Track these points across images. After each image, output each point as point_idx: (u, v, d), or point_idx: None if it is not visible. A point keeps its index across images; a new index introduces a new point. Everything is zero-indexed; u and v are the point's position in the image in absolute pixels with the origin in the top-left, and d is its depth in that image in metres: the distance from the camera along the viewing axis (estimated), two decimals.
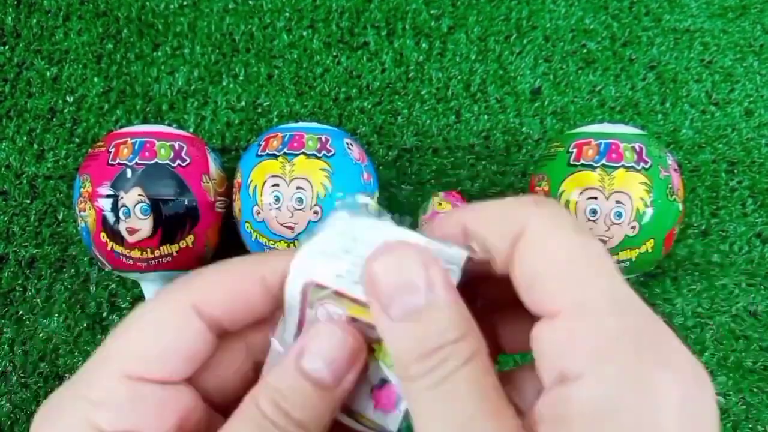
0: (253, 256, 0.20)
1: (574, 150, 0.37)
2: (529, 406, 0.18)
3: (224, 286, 0.19)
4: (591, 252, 0.17)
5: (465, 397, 0.16)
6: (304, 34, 0.48)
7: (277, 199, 0.35)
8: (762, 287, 0.42)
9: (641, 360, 0.15)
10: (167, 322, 0.18)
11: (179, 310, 0.18)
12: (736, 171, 0.45)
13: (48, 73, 0.46)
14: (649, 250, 0.36)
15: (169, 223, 0.35)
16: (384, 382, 0.19)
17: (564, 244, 0.17)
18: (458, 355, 0.17)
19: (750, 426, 0.40)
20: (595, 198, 0.35)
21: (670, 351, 0.16)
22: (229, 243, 0.40)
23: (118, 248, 0.35)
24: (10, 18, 0.48)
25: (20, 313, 0.41)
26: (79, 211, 0.36)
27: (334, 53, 0.48)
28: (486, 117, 0.46)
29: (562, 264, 0.17)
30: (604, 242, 0.36)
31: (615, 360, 0.15)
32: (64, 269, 0.42)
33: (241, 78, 0.47)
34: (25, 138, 0.45)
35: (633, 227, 0.35)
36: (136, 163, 0.35)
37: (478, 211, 0.20)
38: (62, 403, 0.18)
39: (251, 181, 0.36)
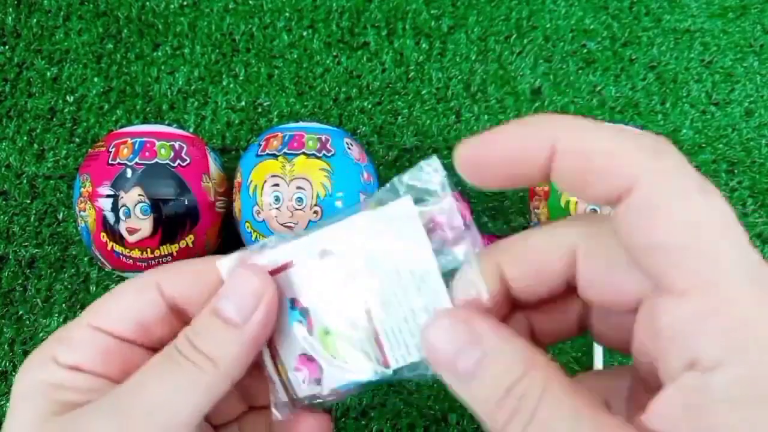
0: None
1: None
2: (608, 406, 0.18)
3: (184, 267, 0.22)
4: (719, 217, 0.15)
5: (560, 423, 0.16)
6: (305, 34, 0.48)
7: (277, 199, 0.35)
8: None
9: None
10: (130, 291, 0.22)
11: (143, 284, 0.22)
12: (736, 171, 0.45)
13: (48, 73, 0.46)
14: None
15: (169, 223, 0.35)
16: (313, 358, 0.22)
17: (690, 209, 0.15)
18: (534, 385, 0.17)
19: None
20: None
21: None
22: (229, 243, 0.40)
23: (118, 248, 0.35)
24: (10, 18, 0.48)
25: (20, 313, 0.41)
26: (79, 211, 0.36)
27: (335, 53, 0.48)
28: (486, 117, 0.46)
29: (689, 234, 0.15)
30: None
31: (759, 343, 0.14)
32: (64, 269, 0.42)
33: (241, 78, 0.47)
34: (25, 138, 0.45)
35: None
36: (136, 163, 0.35)
37: (579, 151, 0.16)
38: (41, 346, 0.22)
39: (251, 181, 0.36)
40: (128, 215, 0.35)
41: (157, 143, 0.36)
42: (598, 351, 0.39)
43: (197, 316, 0.21)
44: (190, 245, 0.36)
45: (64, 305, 0.41)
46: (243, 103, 0.46)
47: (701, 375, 0.15)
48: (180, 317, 0.23)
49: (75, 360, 0.21)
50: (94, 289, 0.42)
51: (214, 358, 0.20)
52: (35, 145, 0.45)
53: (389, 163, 0.45)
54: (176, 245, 0.36)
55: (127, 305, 0.22)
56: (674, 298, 0.15)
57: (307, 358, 0.22)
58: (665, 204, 0.15)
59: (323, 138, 0.37)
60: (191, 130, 0.45)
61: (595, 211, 0.35)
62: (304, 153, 0.36)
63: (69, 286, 0.42)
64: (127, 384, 0.20)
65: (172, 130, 0.38)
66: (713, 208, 0.15)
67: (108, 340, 0.21)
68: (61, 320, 0.41)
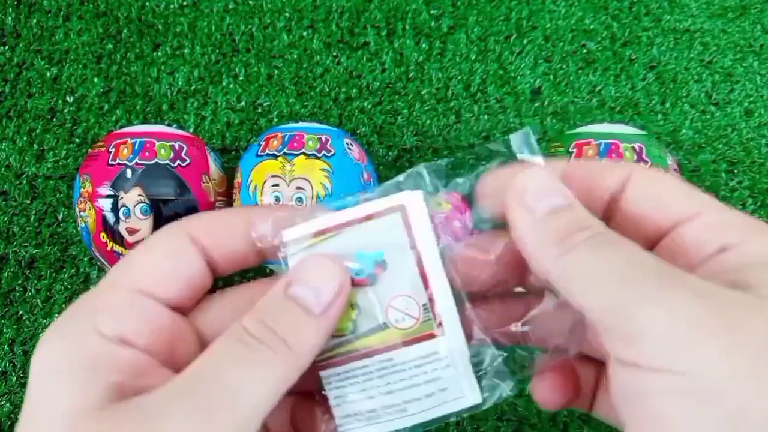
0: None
1: (575, 150, 0.37)
2: None
3: (215, 218, 0.21)
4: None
5: (623, 242, 0.17)
6: (304, 34, 0.48)
7: (277, 199, 0.35)
8: None
9: None
10: (163, 246, 0.20)
11: (176, 237, 0.20)
12: (736, 171, 0.45)
13: (48, 73, 0.46)
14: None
15: (169, 223, 0.35)
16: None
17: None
18: (601, 226, 0.18)
19: None
20: None
21: None
22: None
23: (118, 248, 0.35)
24: (10, 18, 0.48)
25: (20, 313, 0.41)
26: (79, 211, 0.36)
27: (334, 53, 0.48)
28: (486, 117, 0.46)
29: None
30: None
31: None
32: (64, 269, 0.42)
33: (241, 78, 0.47)
34: (25, 138, 0.45)
35: None
36: (136, 163, 0.35)
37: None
38: (69, 314, 0.18)
39: (251, 181, 0.36)
40: (128, 215, 0.35)
41: (157, 143, 0.36)
42: None
43: (265, 297, 0.19)
44: None
45: (64, 305, 0.41)
46: (243, 104, 0.46)
47: (736, 249, 0.18)
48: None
49: (122, 331, 0.18)
50: None
51: (290, 344, 0.18)
52: (35, 146, 0.45)
53: (389, 163, 0.45)
54: None
55: (168, 262, 0.19)
56: (688, 221, 0.19)
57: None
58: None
59: (323, 138, 0.37)
60: (191, 130, 0.45)
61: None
62: (304, 153, 0.36)
63: (69, 287, 0.42)
64: (198, 369, 0.17)
65: (172, 130, 0.38)
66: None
67: (153, 307, 0.19)
68: None
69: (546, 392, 0.21)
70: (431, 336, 0.20)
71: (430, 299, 0.20)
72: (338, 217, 0.20)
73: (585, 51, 0.48)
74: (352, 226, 0.20)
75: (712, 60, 0.48)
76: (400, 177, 0.21)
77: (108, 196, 0.35)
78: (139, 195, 0.35)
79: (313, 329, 0.19)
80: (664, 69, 0.48)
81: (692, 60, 0.48)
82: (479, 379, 0.20)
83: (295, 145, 0.36)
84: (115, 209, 0.35)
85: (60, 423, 0.16)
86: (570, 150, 0.37)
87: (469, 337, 0.20)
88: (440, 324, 0.20)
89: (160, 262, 0.19)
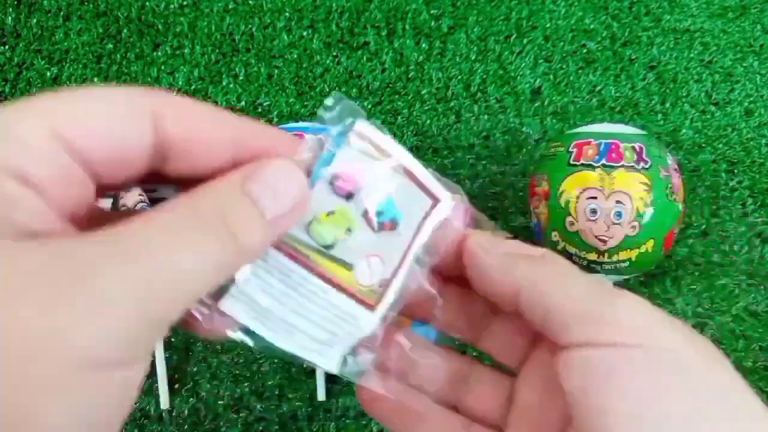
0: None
1: (574, 150, 0.37)
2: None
3: (197, 106, 0.18)
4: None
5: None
6: (304, 34, 0.48)
7: None
8: (762, 287, 0.42)
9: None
10: (115, 106, 0.17)
11: (134, 106, 0.17)
12: (736, 171, 0.45)
13: (48, 73, 0.46)
14: (649, 250, 0.36)
15: None
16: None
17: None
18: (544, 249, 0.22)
19: None
20: (595, 198, 0.35)
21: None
22: None
23: None
24: (10, 18, 0.48)
25: None
26: None
27: (334, 53, 0.48)
28: (486, 117, 0.46)
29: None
30: (604, 242, 0.36)
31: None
32: None
33: (241, 78, 0.47)
34: None
35: (633, 227, 0.35)
36: None
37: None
38: None
39: None
40: None
41: None
42: None
43: (224, 186, 0.17)
44: None
45: None
46: (243, 103, 0.46)
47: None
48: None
49: (30, 172, 0.15)
50: None
51: (241, 243, 0.17)
52: None
53: None
54: None
55: (109, 121, 0.16)
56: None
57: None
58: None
59: (323, 137, 0.37)
60: None
61: (594, 212, 0.35)
62: None
63: None
64: (137, 231, 0.15)
65: None
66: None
67: (71, 161, 0.16)
68: None
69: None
70: (368, 305, 0.21)
71: (391, 280, 0.21)
72: (406, 159, 0.21)
73: (585, 51, 0.48)
74: (404, 176, 0.21)
75: (712, 60, 0.48)
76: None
77: (108, 196, 0.35)
78: (139, 195, 0.35)
79: (264, 233, 0.17)
80: (664, 69, 0.48)
81: (692, 60, 0.48)
82: (346, 359, 0.22)
83: None
84: (115, 209, 0.35)
85: None
86: (570, 150, 0.37)
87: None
88: (379, 302, 0.21)
89: (100, 117, 0.16)
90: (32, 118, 0.15)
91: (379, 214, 0.20)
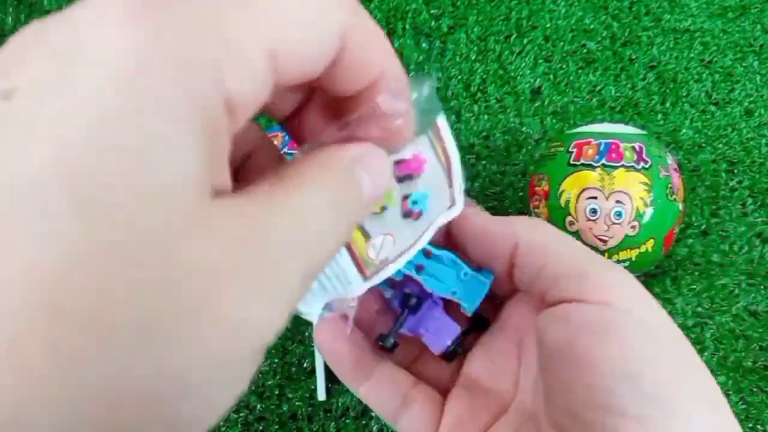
0: None
1: (574, 149, 0.37)
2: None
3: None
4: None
5: None
6: None
7: None
8: (762, 287, 0.42)
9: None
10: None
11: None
12: (736, 171, 0.45)
13: None
14: (649, 250, 0.36)
15: None
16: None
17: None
18: None
19: (750, 426, 0.40)
20: (595, 198, 0.35)
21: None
22: None
23: None
24: (10, 18, 0.48)
25: None
26: None
27: None
28: (486, 117, 0.46)
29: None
30: (604, 242, 0.36)
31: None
32: None
33: None
34: None
35: (633, 227, 0.35)
36: None
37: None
38: (187, 60, 0.12)
39: None
40: None
41: None
42: None
43: (338, 166, 0.16)
44: None
45: None
46: None
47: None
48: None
49: (239, 101, 0.13)
50: None
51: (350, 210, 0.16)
52: None
53: None
54: None
55: (320, 40, 0.14)
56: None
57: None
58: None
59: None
60: None
61: (594, 211, 0.35)
62: None
63: None
64: (302, 192, 0.14)
65: None
66: None
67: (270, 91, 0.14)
68: None
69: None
70: (364, 275, 0.22)
71: (391, 262, 0.22)
72: (455, 164, 0.21)
73: (585, 51, 0.48)
74: (445, 176, 0.21)
75: (712, 60, 0.48)
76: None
77: None
78: None
79: (363, 210, 0.17)
80: (664, 69, 0.48)
81: (692, 60, 0.48)
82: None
83: (296, 145, 0.36)
84: None
85: (191, 194, 0.12)
86: (570, 149, 0.37)
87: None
88: (374, 276, 0.22)
89: (312, 35, 0.14)
90: (250, 25, 0.12)
91: (414, 203, 0.21)
